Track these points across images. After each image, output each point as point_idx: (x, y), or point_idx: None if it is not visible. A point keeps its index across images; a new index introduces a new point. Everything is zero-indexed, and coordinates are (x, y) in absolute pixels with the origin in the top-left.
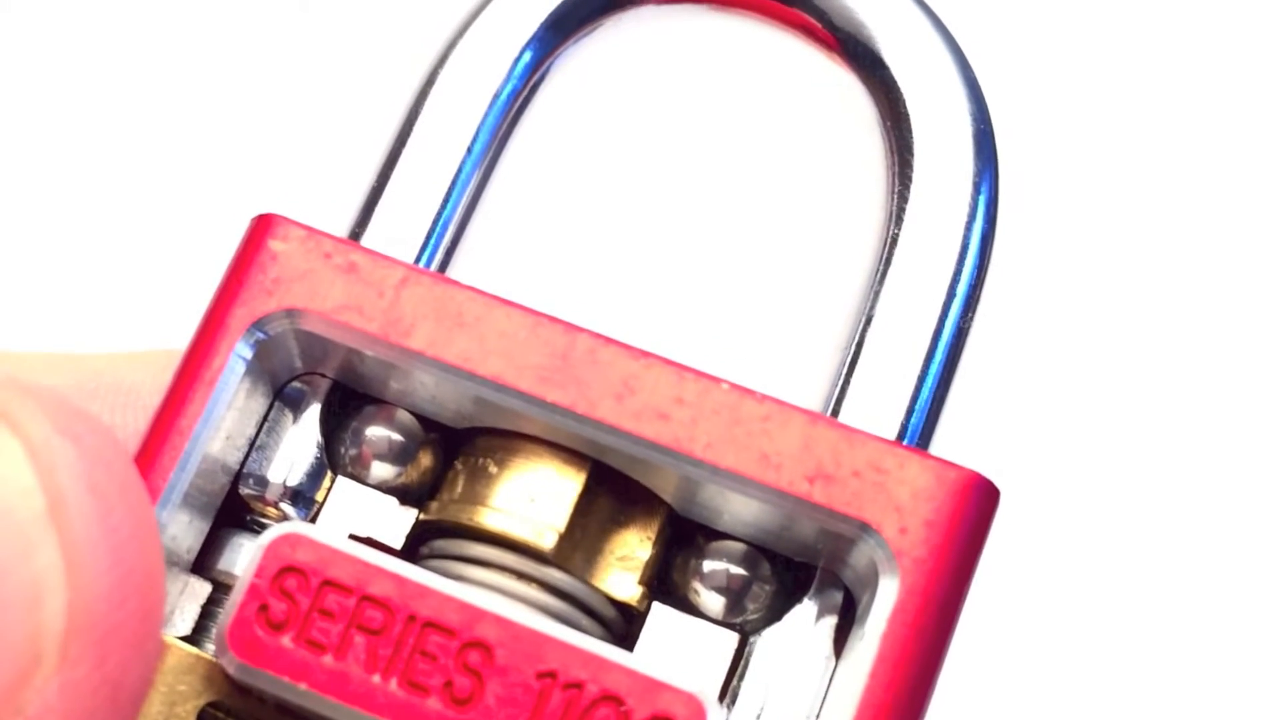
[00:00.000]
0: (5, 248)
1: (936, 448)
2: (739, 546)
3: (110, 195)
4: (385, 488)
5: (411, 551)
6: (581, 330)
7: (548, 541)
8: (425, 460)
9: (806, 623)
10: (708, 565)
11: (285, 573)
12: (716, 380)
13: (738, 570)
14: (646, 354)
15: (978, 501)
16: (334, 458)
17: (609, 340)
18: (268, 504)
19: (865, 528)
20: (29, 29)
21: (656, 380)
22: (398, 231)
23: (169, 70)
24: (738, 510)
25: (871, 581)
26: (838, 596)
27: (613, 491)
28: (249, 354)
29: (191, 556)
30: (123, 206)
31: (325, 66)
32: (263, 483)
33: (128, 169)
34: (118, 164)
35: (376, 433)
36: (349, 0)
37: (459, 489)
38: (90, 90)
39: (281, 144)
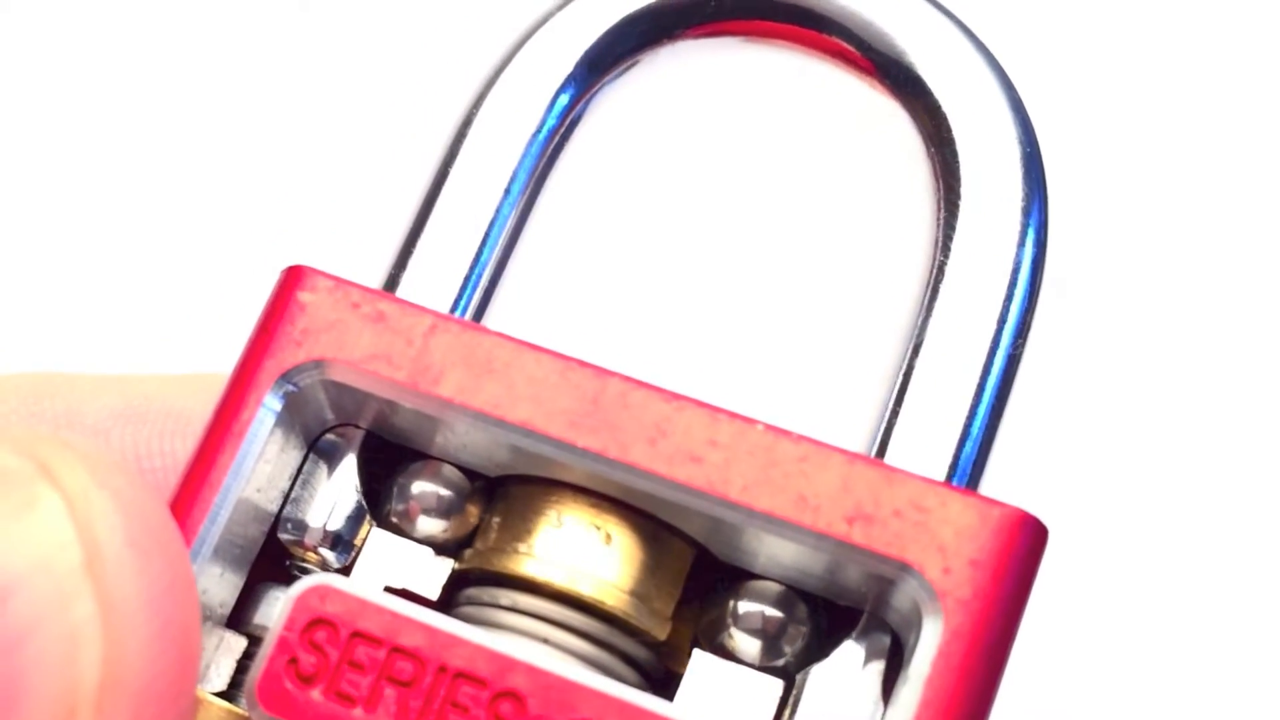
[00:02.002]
0: (32, 261)
1: (988, 487)
2: (774, 587)
3: (108, 196)
4: (429, 541)
5: (448, 600)
6: (612, 374)
7: (584, 587)
8: (471, 513)
9: (854, 669)
10: (742, 607)
11: (315, 625)
12: (751, 421)
13: (773, 612)
14: (678, 396)
15: (1025, 540)
16: (375, 511)
17: (640, 383)
18: (307, 549)
19: (907, 569)
20: (29, 29)
21: (689, 423)
22: (436, 274)
23: (169, 71)
24: (778, 554)
25: (916, 624)
26: (885, 641)
27: (649, 536)
28: (278, 406)
29: (225, 611)
30: (120, 208)
31: (325, 67)
32: (302, 527)
33: (128, 168)
34: (118, 162)
35: (425, 488)
36: (349, 0)
37: (494, 537)
38: (89, 91)
39: (280, 144)
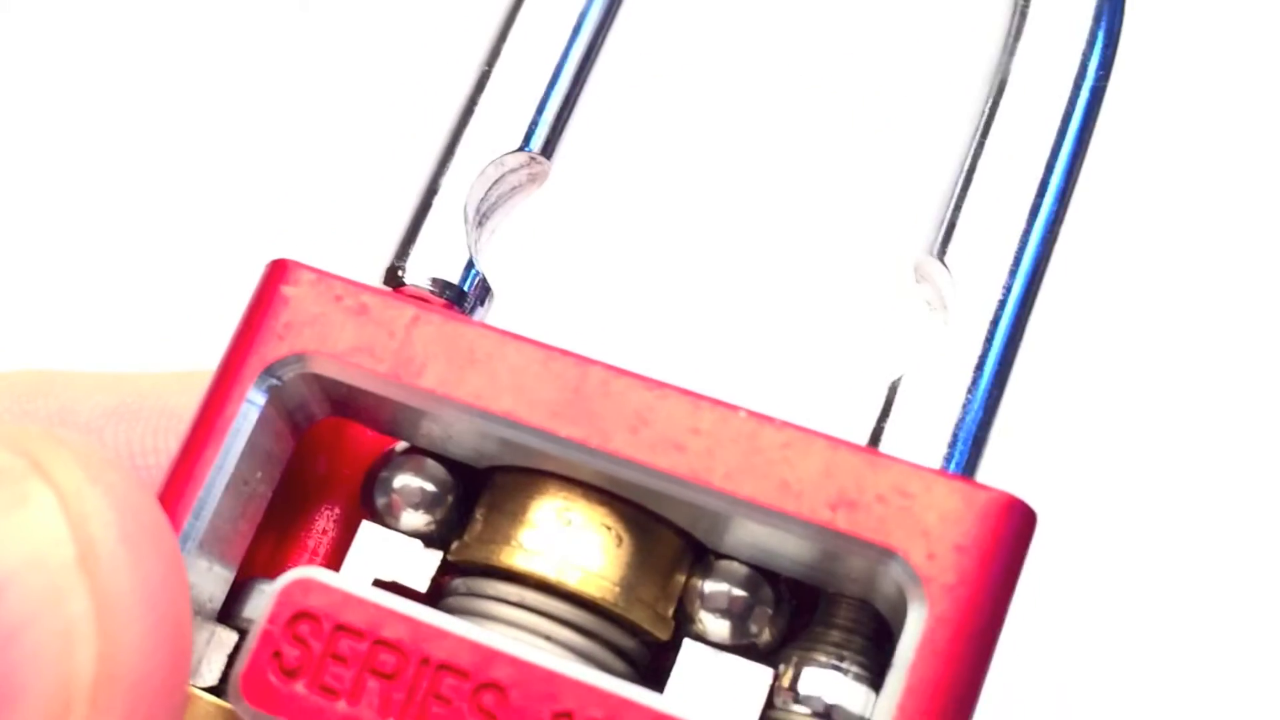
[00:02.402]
0: (27, 258)
1: (984, 475)
2: (739, 568)
3: (106, 193)
4: (415, 534)
5: (439, 591)
6: (593, 363)
7: (571, 578)
8: (454, 504)
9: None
10: (708, 587)
11: (299, 618)
12: (734, 408)
13: (738, 592)
14: (660, 384)
15: (1012, 525)
16: (364, 503)
17: (622, 372)
18: None
19: (891, 554)
20: (29, 29)
21: (671, 411)
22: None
23: (169, 70)
24: (764, 542)
25: (902, 611)
26: (876, 627)
27: (638, 526)
28: (262, 400)
29: (214, 605)
30: (118, 206)
31: (325, 67)
32: None
33: (126, 166)
34: (116, 160)
35: (407, 482)
36: (349, 0)
37: (480, 529)
38: (89, 91)
39: (279, 143)
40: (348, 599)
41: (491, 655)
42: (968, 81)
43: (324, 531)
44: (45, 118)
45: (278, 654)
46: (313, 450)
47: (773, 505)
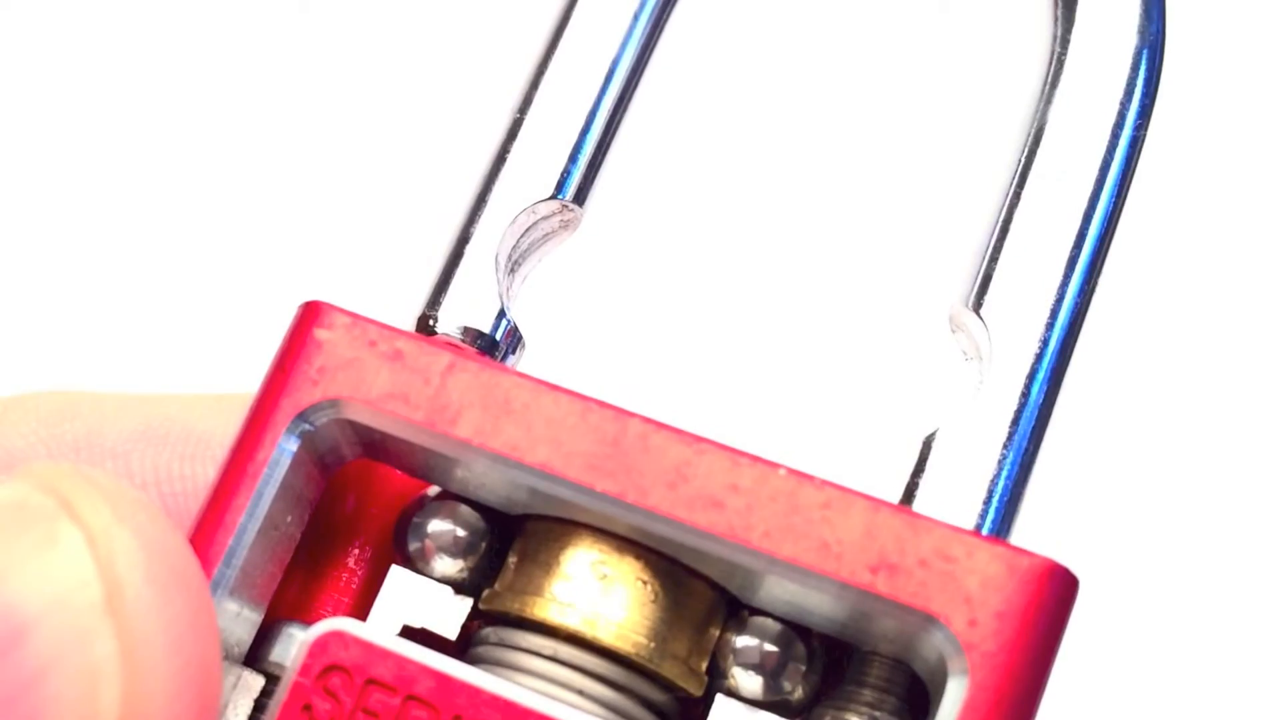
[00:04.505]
0: (50, 274)
1: (1021, 537)
2: (773, 625)
3: (120, 204)
4: (446, 580)
5: (469, 638)
6: (632, 415)
7: (606, 633)
8: (486, 551)
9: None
10: (739, 643)
11: (330, 671)
12: (774, 466)
13: (770, 647)
14: (700, 439)
15: (1054, 591)
16: (395, 548)
17: (660, 425)
18: None
19: (932, 620)
20: (29, 29)
21: (710, 467)
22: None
23: (169, 71)
24: (801, 601)
25: (941, 676)
26: (911, 689)
27: (672, 580)
28: (294, 445)
29: (243, 649)
30: (132, 217)
31: (325, 67)
32: None
33: (138, 176)
34: (128, 171)
35: (440, 527)
36: (349, 0)
37: (512, 578)
38: (87, 91)
39: (278, 144)
40: (380, 653)
41: (525, 714)
42: (1004, 130)
43: (352, 571)
44: (47, 122)
45: (308, 707)
46: (341, 489)
47: (813, 566)
